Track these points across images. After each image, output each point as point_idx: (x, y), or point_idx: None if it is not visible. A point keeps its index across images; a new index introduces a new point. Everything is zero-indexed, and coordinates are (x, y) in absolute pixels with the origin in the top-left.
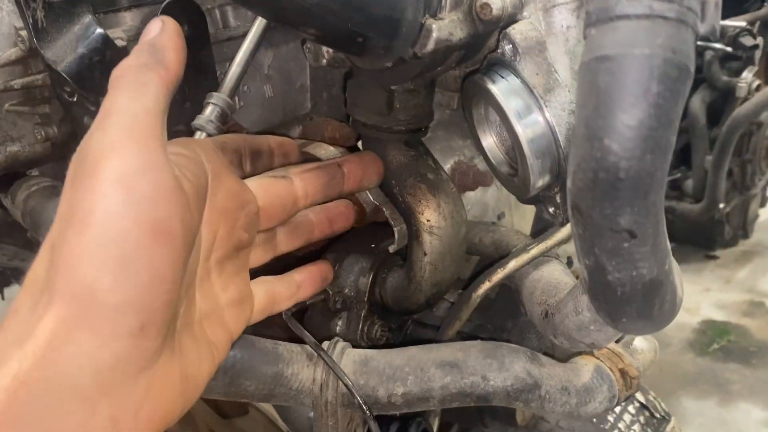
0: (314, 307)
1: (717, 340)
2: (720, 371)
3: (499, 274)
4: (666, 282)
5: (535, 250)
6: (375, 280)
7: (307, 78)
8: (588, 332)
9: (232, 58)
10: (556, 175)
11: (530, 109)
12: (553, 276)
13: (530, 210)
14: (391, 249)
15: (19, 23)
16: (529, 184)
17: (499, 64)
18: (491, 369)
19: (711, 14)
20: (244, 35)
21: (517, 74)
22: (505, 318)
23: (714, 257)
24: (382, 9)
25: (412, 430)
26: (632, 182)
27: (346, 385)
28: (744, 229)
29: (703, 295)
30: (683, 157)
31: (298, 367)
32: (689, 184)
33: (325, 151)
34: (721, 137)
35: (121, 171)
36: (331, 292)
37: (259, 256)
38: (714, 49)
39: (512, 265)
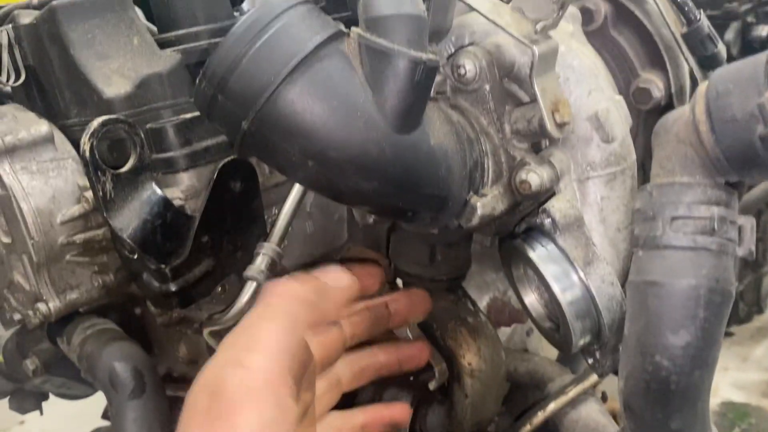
0: None
1: (738, 423)
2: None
3: (539, 417)
4: None
5: (572, 392)
6: (416, 415)
7: (345, 209)
8: None
9: (278, 203)
10: (597, 335)
11: (569, 275)
12: (591, 417)
13: None
14: (432, 386)
15: (83, 181)
16: (571, 343)
17: (537, 231)
18: None
19: (747, 239)
20: (289, 181)
21: (556, 244)
22: None
23: (730, 334)
24: (430, 189)
25: None
26: (682, 394)
27: None
28: (758, 305)
29: (721, 374)
30: None
31: None
32: None
33: None
34: None
35: (257, 424)
36: None
37: (325, 403)
38: None
39: (552, 407)
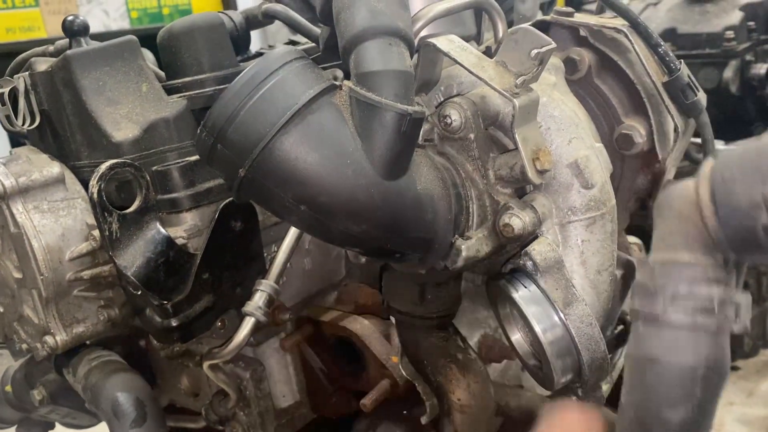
0: None
1: None
2: None
3: None
4: None
5: None
6: None
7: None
8: None
9: (278, 241)
10: (578, 373)
11: (550, 316)
12: None
13: None
14: (424, 420)
15: (91, 220)
16: (553, 381)
17: (521, 272)
18: None
19: (743, 315)
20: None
21: (538, 285)
22: None
23: (735, 368)
24: (417, 232)
25: None
26: None
27: None
28: (764, 339)
29: (726, 409)
30: None
31: None
32: None
33: (361, 325)
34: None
35: None
36: None
37: None
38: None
39: None
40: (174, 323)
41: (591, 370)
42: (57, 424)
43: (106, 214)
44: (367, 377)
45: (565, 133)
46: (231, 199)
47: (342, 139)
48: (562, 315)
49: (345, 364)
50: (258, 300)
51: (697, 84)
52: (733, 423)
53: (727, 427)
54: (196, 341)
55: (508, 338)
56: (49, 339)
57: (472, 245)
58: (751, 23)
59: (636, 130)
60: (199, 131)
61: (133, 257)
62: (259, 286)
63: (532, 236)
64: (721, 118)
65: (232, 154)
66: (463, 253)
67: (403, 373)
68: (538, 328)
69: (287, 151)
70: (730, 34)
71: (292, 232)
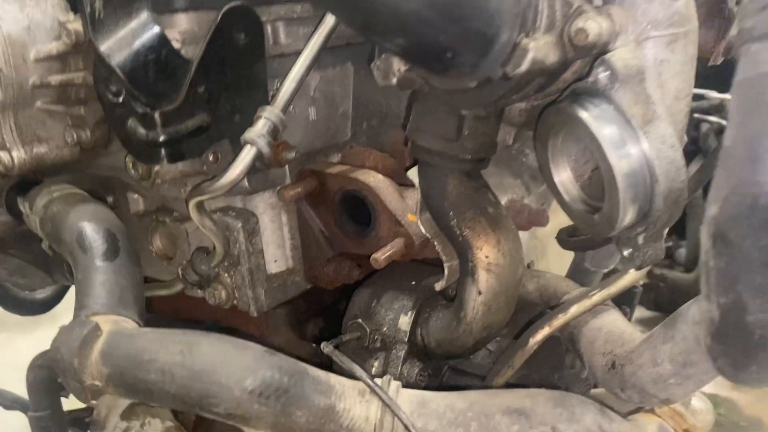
0: (347, 345)
1: None
2: None
3: (560, 320)
4: None
5: (598, 296)
6: (417, 319)
7: (350, 105)
8: (665, 386)
9: (281, 76)
10: (644, 214)
11: (626, 139)
12: (616, 325)
13: (557, 260)
14: (438, 286)
15: (64, 17)
16: (615, 222)
17: (587, 93)
18: (561, 419)
19: None
20: (294, 53)
21: (612, 103)
22: (549, 370)
23: None
24: (477, 23)
25: None
26: None
27: (405, 426)
28: None
29: None
30: (675, 225)
31: (350, 402)
32: (682, 253)
33: (374, 178)
34: None
35: None
36: (368, 330)
37: None
38: (710, 121)
39: (574, 310)
40: (161, 137)
41: (665, 203)
42: None
43: None
44: (376, 237)
45: None
46: (235, 4)
47: None
48: (640, 134)
49: (350, 225)
50: (261, 128)
51: None
52: None
53: None
54: (175, 190)
55: (552, 182)
56: (3, 155)
57: (541, 47)
58: None
59: None
60: None
61: (118, 45)
62: (262, 112)
63: (603, 49)
64: None
65: None
66: (530, 54)
67: (423, 229)
68: (610, 153)
69: None
70: None
71: (303, 58)
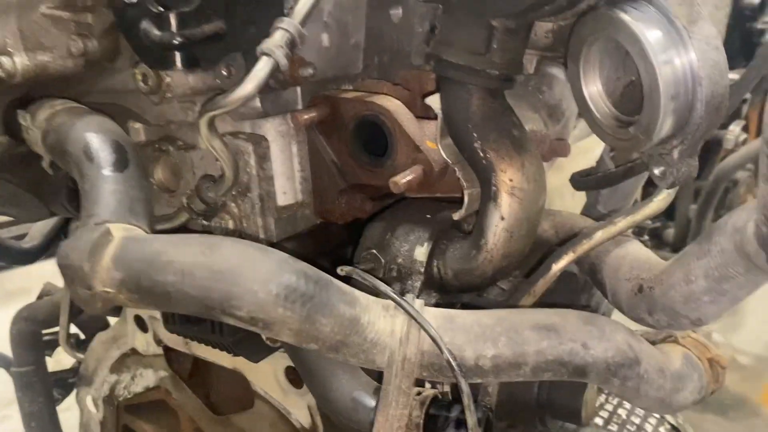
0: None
1: None
2: (698, 422)
3: (584, 246)
4: None
5: (623, 223)
6: (434, 250)
7: (362, 37)
8: (698, 305)
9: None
10: (682, 126)
11: (670, 41)
12: (642, 252)
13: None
14: (458, 216)
15: None
16: (653, 131)
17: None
18: (592, 336)
19: None
20: None
21: (653, 4)
22: (565, 306)
23: None
24: None
25: (477, 410)
26: None
27: (432, 338)
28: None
29: None
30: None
31: (375, 315)
32: (670, 233)
33: (392, 103)
34: (707, 187)
35: None
36: (383, 261)
37: None
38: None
39: (600, 235)
40: (176, 40)
41: (707, 110)
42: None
43: None
44: (393, 166)
45: None
46: None
47: None
48: (685, 33)
49: (364, 155)
50: (279, 39)
51: None
52: None
53: None
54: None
55: (582, 97)
56: (5, 60)
57: None
58: None
59: None
60: None
61: None
62: (280, 23)
63: None
64: None
65: None
66: None
67: (444, 154)
68: (653, 57)
69: None
70: None
71: None
